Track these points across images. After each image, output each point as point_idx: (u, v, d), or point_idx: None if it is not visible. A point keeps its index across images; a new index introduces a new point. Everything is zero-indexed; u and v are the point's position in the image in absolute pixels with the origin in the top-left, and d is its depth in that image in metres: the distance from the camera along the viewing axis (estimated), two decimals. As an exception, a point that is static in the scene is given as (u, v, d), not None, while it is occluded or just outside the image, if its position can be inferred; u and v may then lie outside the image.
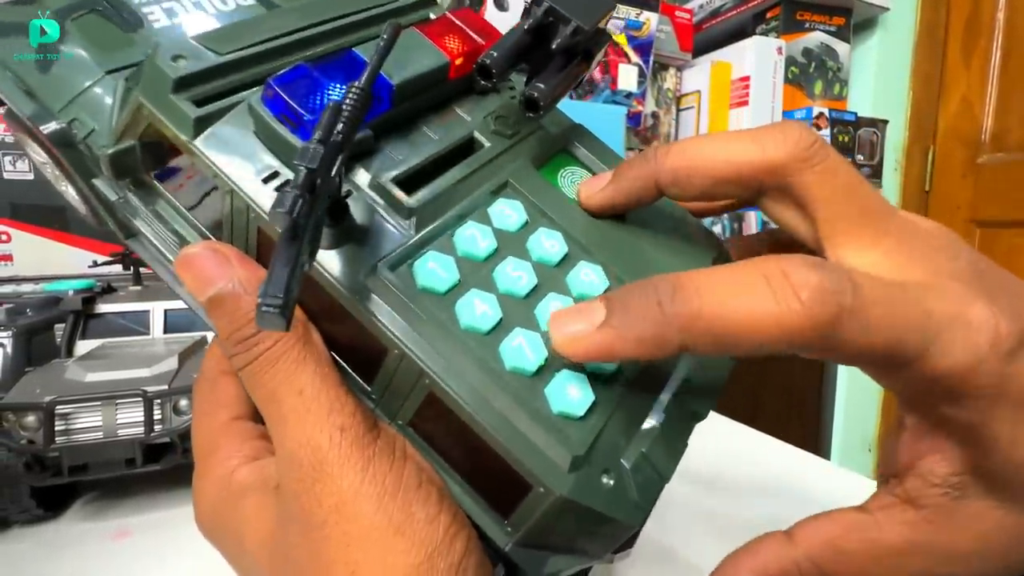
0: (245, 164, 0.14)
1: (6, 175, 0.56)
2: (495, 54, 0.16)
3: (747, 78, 0.95)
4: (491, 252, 0.15)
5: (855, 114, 1.02)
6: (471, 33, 0.18)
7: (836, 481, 0.40)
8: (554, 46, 0.16)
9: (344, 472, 0.13)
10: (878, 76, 1.11)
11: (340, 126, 0.12)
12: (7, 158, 0.56)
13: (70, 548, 0.31)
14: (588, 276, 0.16)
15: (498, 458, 0.13)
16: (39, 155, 0.17)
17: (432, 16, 0.20)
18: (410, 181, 0.15)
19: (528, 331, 0.14)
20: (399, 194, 0.15)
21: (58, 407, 0.30)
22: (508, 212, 0.16)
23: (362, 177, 0.15)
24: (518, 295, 0.15)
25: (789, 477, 0.40)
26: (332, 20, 0.17)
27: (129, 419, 0.32)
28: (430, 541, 0.13)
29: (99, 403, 0.31)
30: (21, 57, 0.16)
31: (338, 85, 0.15)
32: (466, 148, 0.17)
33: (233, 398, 0.17)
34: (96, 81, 0.16)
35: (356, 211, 0.14)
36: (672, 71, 0.98)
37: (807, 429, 1.16)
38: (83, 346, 0.39)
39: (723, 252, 0.19)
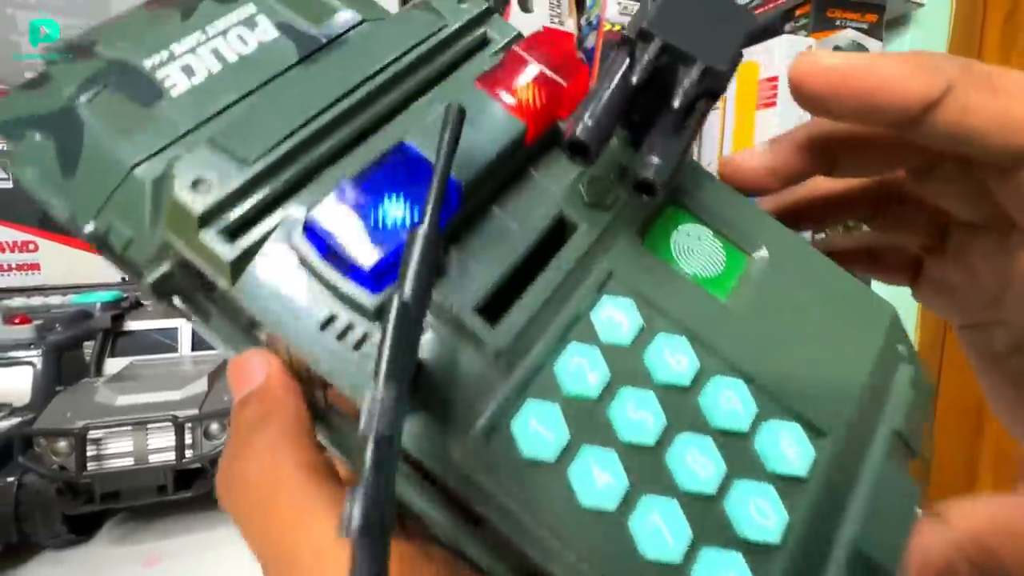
0: (297, 311, 0.12)
1: (33, 185, 0.56)
2: (590, 124, 0.12)
3: (775, 78, 0.92)
4: (604, 385, 0.12)
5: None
6: (549, 72, 0.14)
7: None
8: (676, 103, 0.12)
9: None
10: (911, 75, 1.07)
11: (411, 321, 0.10)
12: (34, 168, 0.56)
13: (101, 574, 0.30)
14: (730, 402, 0.12)
15: None
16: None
17: (490, 34, 0.16)
18: (494, 300, 0.12)
19: (663, 498, 0.11)
20: (482, 329, 0.12)
21: (90, 432, 0.30)
22: (618, 318, 0.13)
23: (434, 306, 0.12)
24: (645, 444, 0.12)
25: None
26: (373, 76, 0.14)
27: (160, 444, 0.31)
28: None
29: (130, 428, 0.31)
30: (39, 157, 0.14)
31: (394, 198, 0.12)
32: (556, 232, 0.14)
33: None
34: (123, 179, 0.14)
35: (433, 350, 0.12)
36: (698, 72, 0.96)
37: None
38: (112, 364, 0.38)
39: (896, 324, 0.15)
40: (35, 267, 0.57)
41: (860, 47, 1.01)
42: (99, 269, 0.59)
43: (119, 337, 0.39)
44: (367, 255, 0.11)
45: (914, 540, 0.12)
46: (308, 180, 0.13)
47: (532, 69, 0.14)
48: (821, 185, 0.17)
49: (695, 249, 0.15)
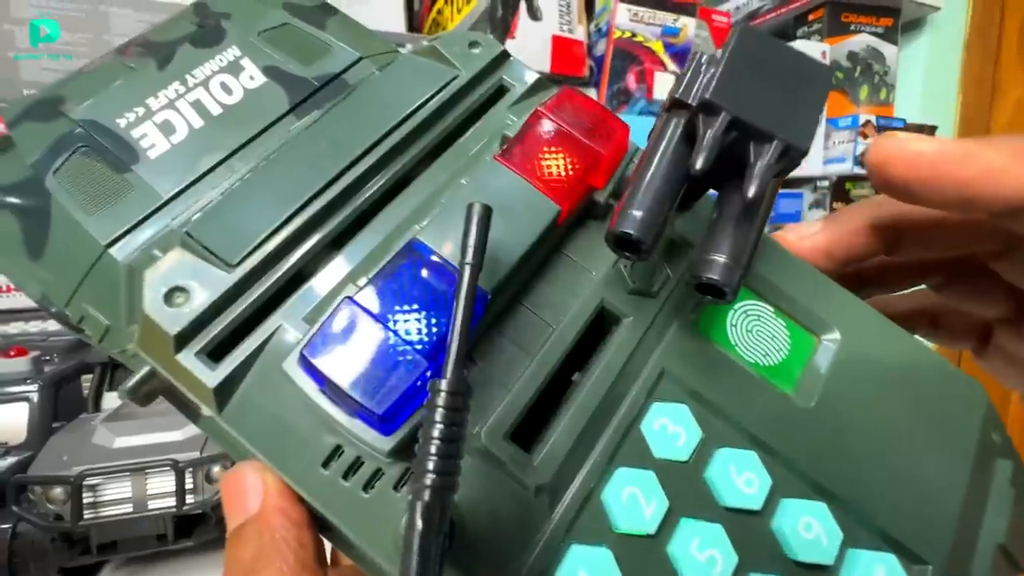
0: (296, 443, 0.10)
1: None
2: (640, 216, 0.10)
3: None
4: (663, 517, 0.10)
5: (904, 121, 0.96)
6: (580, 137, 0.12)
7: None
8: (752, 192, 0.10)
9: None
10: (927, 79, 1.05)
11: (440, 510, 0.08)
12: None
13: (99, 627, 0.29)
14: (811, 529, 0.11)
15: None
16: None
17: (506, 80, 0.14)
18: (528, 421, 0.11)
19: None
20: (518, 461, 0.10)
21: (87, 479, 0.28)
22: (672, 429, 0.11)
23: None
24: None
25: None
26: (374, 145, 0.12)
27: (160, 489, 0.30)
28: None
29: (128, 474, 0.29)
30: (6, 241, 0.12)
31: (406, 313, 0.10)
32: (597, 324, 0.12)
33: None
34: (96, 260, 0.12)
35: (462, 488, 0.10)
36: (709, 78, 0.94)
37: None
38: (110, 397, 0.37)
39: (991, 412, 0.13)
40: (34, 286, 0.56)
41: (876, 52, 0.99)
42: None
43: (117, 370, 0.38)
44: (377, 400, 0.09)
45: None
46: (301, 282, 0.11)
47: (560, 134, 0.12)
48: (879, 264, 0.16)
49: (755, 333, 0.13)
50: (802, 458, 0.11)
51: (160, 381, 0.11)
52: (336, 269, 0.11)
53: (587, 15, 0.81)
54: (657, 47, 0.84)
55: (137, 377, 0.11)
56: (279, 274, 0.11)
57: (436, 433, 0.08)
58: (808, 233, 0.14)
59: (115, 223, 0.12)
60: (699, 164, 0.10)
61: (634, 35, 0.80)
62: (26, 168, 0.12)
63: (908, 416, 0.12)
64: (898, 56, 1.00)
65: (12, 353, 0.39)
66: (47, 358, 0.38)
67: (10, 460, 0.32)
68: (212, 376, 0.10)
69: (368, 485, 0.10)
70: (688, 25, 0.84)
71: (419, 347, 0.10)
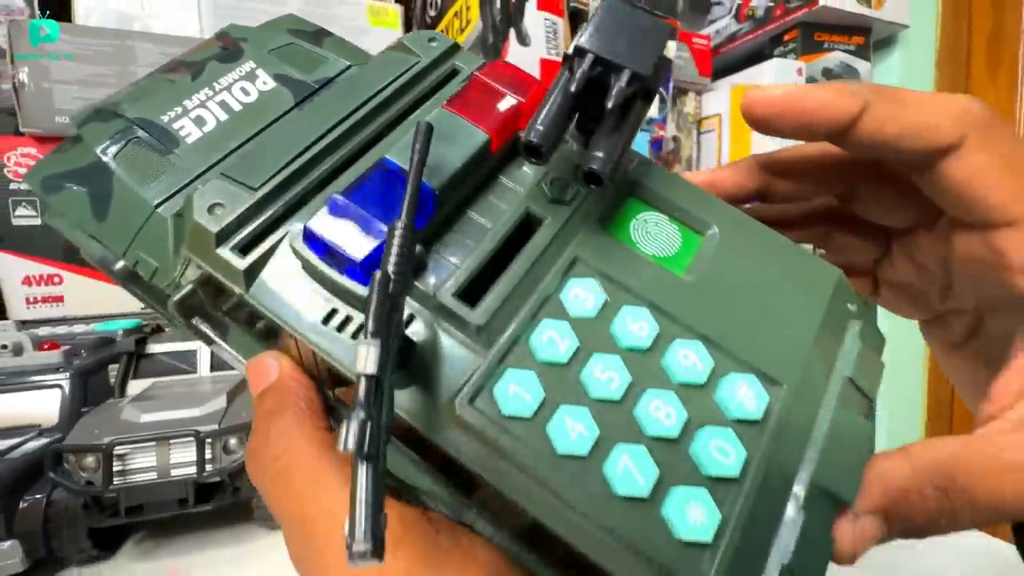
0: (302, 309, 0.13)
1: (59, 221, 0.59)
2: (541, 128, 0.14)
3: (768, 100, 0.94)
4: (573, 352, 0.13)
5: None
6: (507, 91, 0.16)
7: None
8: (610, 104, 0.14)
9: None
10: (901, 92, 1.10)
11: (392, 286, 0.11)
12: (61, 205, 0.59)
13: (124, 588, 0.31)
14: (688, 359, 0.14)
15: None
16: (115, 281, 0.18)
17: (457, 64, 0.19)
18: (472, 287, 0.14)
19: (632, 445, 0.13)
20: (464, 311, 0.13)
21: (116, 448, 0.31)
22: (583, 295, 0.14)
23: (420, 296, 0.14)
24: (612, 399, 0.13)
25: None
26: (358, 109, 0.16)
27: (182, 459, 0.33)
28: None
29: (154, 444, 0.32)
30: (76, 206, 0.16)
31: (379, 206, 0.14)
32: (525, 227, 0.15)
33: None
34: (148, 218, 0.15)
35: (421, 334, 0.13)
36: (691, 95, 0.99)
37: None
38: (135, 385, 0.40)
39: (842, 284, 0.16)
40: (59, 299, 0.60)
41: (850, 69, 1.04)
42: (119, 300, 0.61)
43: (141, 360, 0.41)
44: (358, 250, 0.13)
45: (874, 468, 0.14)
46: (306, 200, 0.15)
47: (491, 87, 0.16)
48: (770, 212, 0.20)
49: (652, 233, 0.16)
50: (685, 315, 0.15)
51: (200, 296, 0.15)
52: (333, 189, 0.15)
53: (573, 39, 0.87)
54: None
55: (187, 288, 0.15)
56: (289, 196, 0.15)
57: (395, 243, 0.12)
58: (704, 173, 0.18)
59: (161, 191, 0.16)
60: (572, 87, 0.14)
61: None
62: (93, 155, 0.16)
63: (771, 286, 0.16)
64: (872, 72, 1.05)
65: (45, 346, 0.42)
66: (76, 353, 0.41)
67: (43, 440, 0.35)
68: (242, 262, 0.14)
69: (355, 335, 0.13)
70: (669, 47, 0.90)
71: (386, 220, 0.13)
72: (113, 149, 0.16)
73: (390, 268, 0.11)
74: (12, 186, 0.57)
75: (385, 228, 0.13)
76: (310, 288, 0.14)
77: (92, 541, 0.32)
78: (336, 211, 0.14)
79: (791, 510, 0.13)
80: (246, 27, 0.20)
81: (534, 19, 0.84)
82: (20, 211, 0.58)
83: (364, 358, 0.10)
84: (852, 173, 0.17)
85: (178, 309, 0.15)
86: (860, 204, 0.18)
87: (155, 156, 0.16)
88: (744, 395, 0.14)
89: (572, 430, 0.12)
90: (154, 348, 0.41)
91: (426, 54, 0.18)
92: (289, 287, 0.14)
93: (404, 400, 0.13)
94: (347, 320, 0.13)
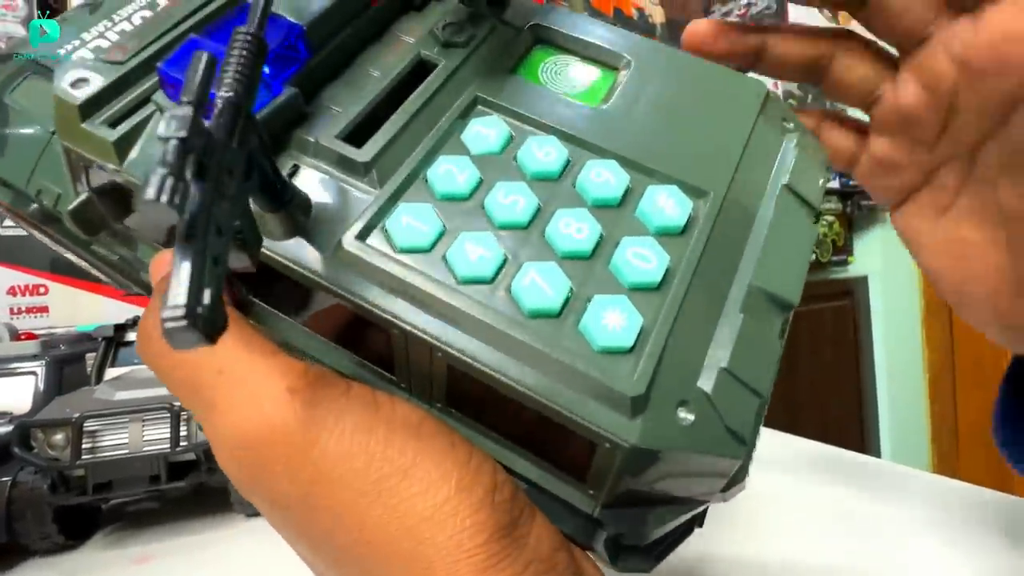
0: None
1: (47, 231, 0.60)
2: None
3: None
4: (475, 184, 0.13)
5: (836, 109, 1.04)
6: None
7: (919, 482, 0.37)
8: None
9: (312, 438, 0.11)
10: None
11: (230, 80, 0.10)
12: (49, 215, 0.59)
13: (92, 574, 0.30)
14: (600, 175, 0.13)
15: (549, 420, 0.11)
16: (40, 236, 0.17)
17: None
18: (359, 133, 0.13)
19: (540, 263, 0.12)
20: (348, 151, 0.13)
21: (87, 423, 0.30)
22: (485, 132, 0.13)
23: (302, 144, 0.13)
24: (520, 223, 0.12)
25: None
26: None
27: (156, 436, 0.32)
28: (448, 478, 0.11)
29: (127, 419, 0.31)
30: None
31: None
32: (418, 74, 0.14)
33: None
34: (46, 144, 0.15)
35: (309, 185, 0.12)
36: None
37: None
38: (113, 373, 0.39)
39: (773, 98, 0.16)
40: (44, 309, 0.59)
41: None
42: (105, 311, 0.61)
43: (120, 347, 0.40)
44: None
45: None
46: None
47: None
48: (782, 28, 0.19)
49: (563, 73, 0.16)
50: (597, 138, 0.14)
51: (98, 207, 0.14)
52: None
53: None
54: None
55: (81, 197, 0.14)
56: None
57: (235, 46, 0.10)
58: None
59: None
60: None
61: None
62: None
63: (694, 105, 0.15)
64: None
65: (23, 336, 0.41)
66: (54, 345, 0.41)
67: (12, 427, 0.34)
68: (111, 133, 0.13)
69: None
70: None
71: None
72: (9, 86, 0.16)
73: (230, 57, 0.10)
74: None
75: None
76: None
77: (58, 526, 0.31)
78: (190, 49, 0.12)
79: (729, 312, 0.12)
80: None
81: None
82: (7, 221, 0.59)
83: (173, 120, 0.08)
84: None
85: (76, 223, 0.14)
86: (876, 6, 0.17)
87: (51, 87, 0.15)
88: (664, 204, 0.13)
89: (473, 254, 0.12)
90: (132, 336, 0.40)
91: None
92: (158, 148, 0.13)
93: (292, 249, 0.12)
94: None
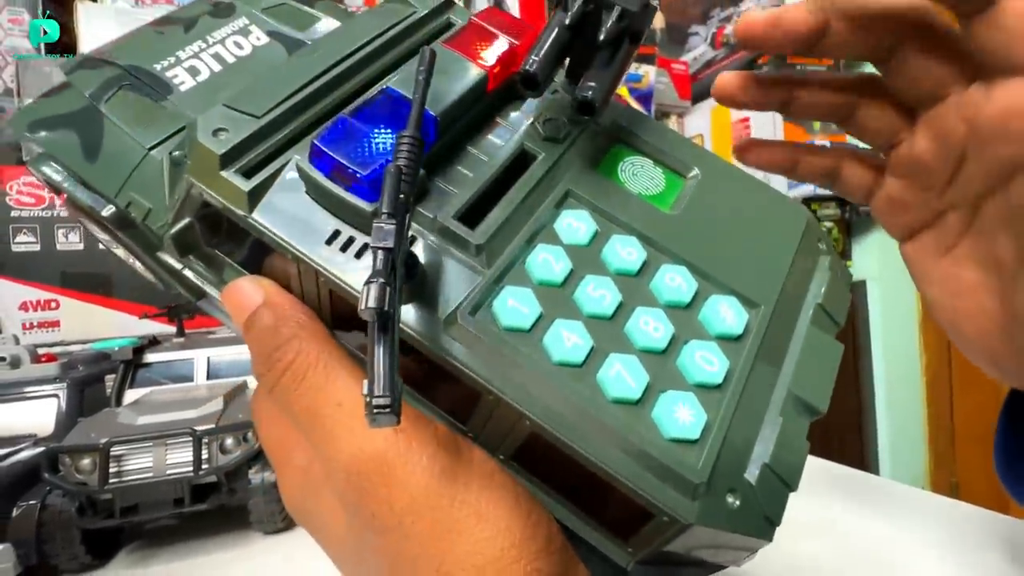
0: (306, 230, 0.14)
1: (59, 247, 0.61)
2: (536, 61, 0.15)
3: (747, 119, 0.99)
4: (567, 273, 0.14)
5: (856, 146, 1.04)
6: (502, 35, 0.17)
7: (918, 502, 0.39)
8: (602, 37, 0.15)
9: (410, 471, 0.13)
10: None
11: (406, 188, 0.12)
12: (61, 231, 0.60)
13: (118, 594, 0.31)
14: (674, 280, 0.15)
15: (614, 489, 0.13)
16: (102, 235, 0.18)
17: (452, 18, 0.19)
18: (471, 213, 0.15)
19: (623, 355, 0.13)
20: (464, 232, 0.14)
21: (113, 448, 0.31)
22: (575, 224, 0.15)
23: (422, 220, 0.14)
24: (605, 315, 0.14)
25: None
26: (355, 52, 0.17)
27: (178, 459, 0.33)
28: (515, 526, 0.13)
29: (151, 443, 0.32)
30: (67, 148, 0.16)
31: (383, 130, 0.14)
32: (520, 162, 0.16)
33: None
34: (142, 159, 0.16)
35: (423, 256, 0.14)
36: (674, 117, 1.03)
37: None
38: (132, 395, 0.40)
39: (812, 224, 0.18)
40: (55, 324, 0.60)
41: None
42: (115, 324, 0.61)
43: (139, 369, 0.41)
44: (364, 165, 0.14)
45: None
46: (308, 132, 0.15)
47: (487, 30, 0.18)
48: (811, 77, 0.21)
49: (639, 174, 0.17)
50: (670, 243, 0.16)
51: (196, 232, 0.15)
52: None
53: (557, 66, 0.91)
54: (623, 92, 0.93)
55: (184, 222, 0.15)
56: (292, 126, 0.15)
57: (404, 148, 0.12)
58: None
59: (155, 135, 0.16)
60: (567, 21, 0.15)
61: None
62: (84, 99, 0.16)
63: (749, 223, 0.17)
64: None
65: (43, 358, 0.42)
66: (73, 366, 0.42)
67: (39, 449, 0.35)
68: (246, 184, 0.14)
69: (358, 255, 0.14)
70: (649, 72, 0.94)
71: (391, 145, 0.14)
72: (105, 94, 0.16)
73: (400, 163, 0.12)
74: (13, 213, 0.59)
75: (390, 145, 0.14)
76: (313, 211, 0.14)
77: (86, 547, 0.32)
78: (342, 130, 0.14)
79: (771, 413, 0.14)
80: None
81: None
82: (20, 238, 0.59)
83: (382, 231, 0.11)
84: (901, 27, 0.18)
85: (175, 243, 0.15)
86: (898, 66, 0.18)
87: (148, 102, 0.16)
88: (726, 313, 0.15)
89: (568, 340, 0.13)
90: (151, 358, 0.41)
91: (422, 6, 0.19)
92: (292, 210, 0.14)
93: (406, 315, 0.13)
94: (350, 241, 0.14)
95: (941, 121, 0.18)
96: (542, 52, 0.15)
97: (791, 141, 0.23)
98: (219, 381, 0.41)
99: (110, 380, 0.41)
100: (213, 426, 0.33)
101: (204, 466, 0.32)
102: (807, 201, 0.99)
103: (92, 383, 0.40)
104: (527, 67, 0.15)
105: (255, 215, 0.14)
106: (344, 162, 0.14)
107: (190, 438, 0.32)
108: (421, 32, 0.19)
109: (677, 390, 0.13)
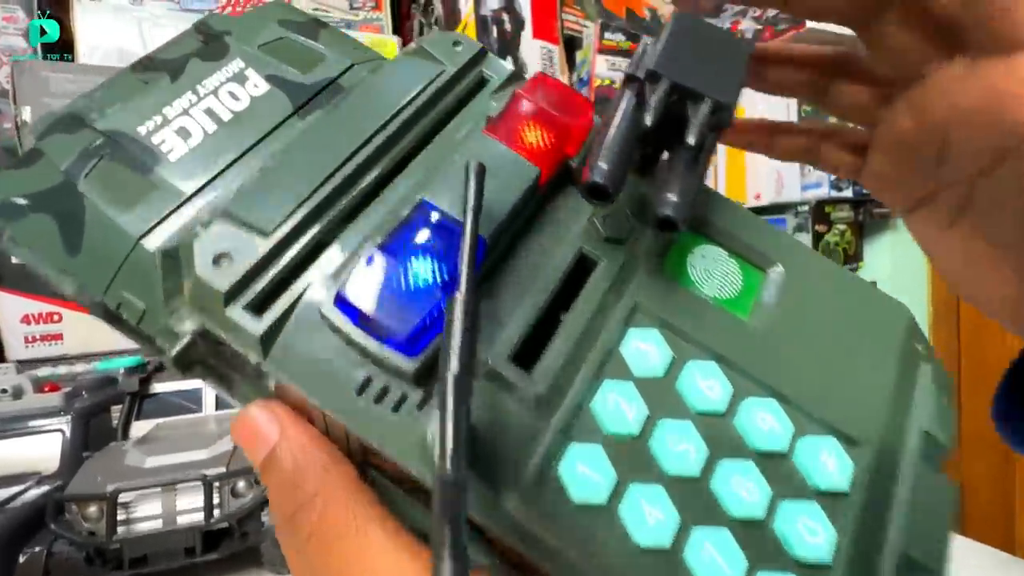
0: (332, 380, 0.11)
1: (59, 258, 0.59)
2: (606, 167, 0.12)
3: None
4: (643, 420, 0.12)
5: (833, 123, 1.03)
6: (554, 112, 0.14)
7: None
8: (691, 140, 0.12)
9: None
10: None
11: (465, 360, 0.10)
12: (61, 242, 0.58)
13: (129, 645, 0.30)
14: (765, 421, 0.13)
15: None
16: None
17: (486, 73, 0.16)
18: (526, 347, 0.12)
19: (714, 529, 0.11)
20: (520, 378, 0.12)
21: (120, 496, 0.30)
22: (646, 349, 0.13)
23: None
24: (690, 475, 0.12)
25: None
26: (381, 128, 0.14)
27: (189, 505, 0.32)
28: None
29: (159, 490, 0.31)
30: (43, 239, 0.13)
31: (422, 258, 0.12)
32: (578, 267, 0.14)
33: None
34: (131, 252, 0.13)
35: (475, 407, 0.11)
36: (687, 118, 1.01)
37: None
38: (139, 427, 0.39)
39: (913, 325, 0.15)
40: (58, 337, 0.59)
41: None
42: (120, 337, 0.60)
43: (145, 400, 0.40)
44: (403, 323, 0.11)
45: None
46: (328, 243, 0.13)
47: (537, 111, 0.14)
48: (782, 49, 0.19)
49: (712, 271, 0.15)
50: (756, 368, 0.13)
51: (201, 348, 0.13)
52: (354, 234, 0.13)
53: (569, 67, 0.89)
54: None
55: (184, 341, 0.12)
56: (306, 240, 0.13)
57: (457, 326, 0.10)
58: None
59: (144, 219, 0.13)
60: (648, 120, 0.12)
61: (612, 82, 0.87)
62: (59, 174, 0.14)
63: (842, 331, 0.14)
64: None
65: (46, 389, 0.41)
66: (77, 395, 0.40)
67: (44, 488, 0.34)
68: (258, 325, 0.11)
69: (396, 408, 0.11)
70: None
71: (436, 280, 0.12)
72: (83, 168, 0.14)
73: (456, 366, 0.10)
74: (12, 225, 0.57)
75: (433, 289, 0.12)
76: (339, 353, 0.12)
77: (94, 595, 0.31)
78: (372, 270, 0.12)
79: None
80: (229, 17, 0.17)
81: (530, 47, 0.85)
82: (20, 249, 0.58)
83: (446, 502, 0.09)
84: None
85: (176, 364, 0.13)
86: (879, 40, 0.17)
87: (134, 176, 0.14)
88: (827, 462, 0.12)
89: (650, 516, 0.11)
90: (158, 387, 0.40)
91: (451, 61, 0.16)
92: (315, 352, 0.12)
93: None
94: (385, 390, 0.11)
95: (922, 100, 0.17)
96: (610, 156, 0.12)
97: (766, 120, 0.21)
98: (228, 412, 0.40)
99: (116, 409, 0.40)
100: (223, 470, 0.32)
101: (216, 512, 0.31)
102: (822, 204, 0.97)
103: (97, 413, 0.39)
104: (596, 178, 0.12)
105: (271, 360, 0.12)
106: (376, 319, 0.11)
107: (200, 483, 0.31)
108: (452, 94, 0.16)
109: (779, 571, 0.11)
